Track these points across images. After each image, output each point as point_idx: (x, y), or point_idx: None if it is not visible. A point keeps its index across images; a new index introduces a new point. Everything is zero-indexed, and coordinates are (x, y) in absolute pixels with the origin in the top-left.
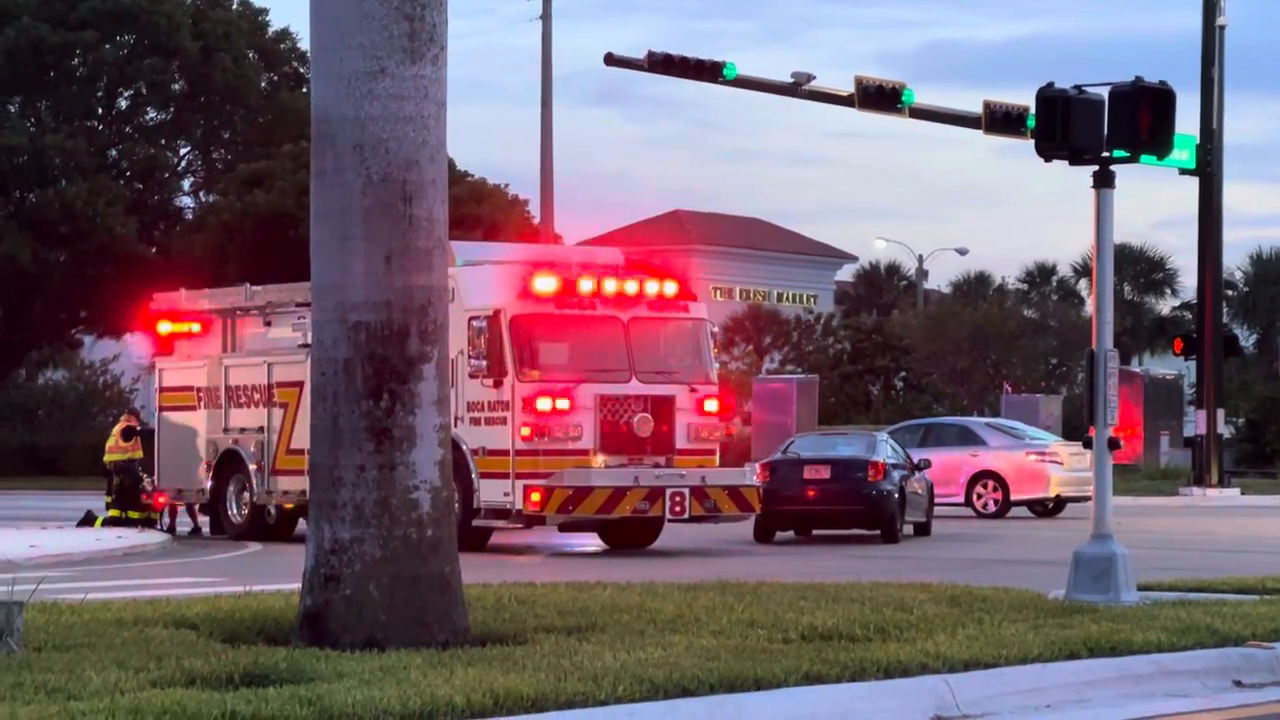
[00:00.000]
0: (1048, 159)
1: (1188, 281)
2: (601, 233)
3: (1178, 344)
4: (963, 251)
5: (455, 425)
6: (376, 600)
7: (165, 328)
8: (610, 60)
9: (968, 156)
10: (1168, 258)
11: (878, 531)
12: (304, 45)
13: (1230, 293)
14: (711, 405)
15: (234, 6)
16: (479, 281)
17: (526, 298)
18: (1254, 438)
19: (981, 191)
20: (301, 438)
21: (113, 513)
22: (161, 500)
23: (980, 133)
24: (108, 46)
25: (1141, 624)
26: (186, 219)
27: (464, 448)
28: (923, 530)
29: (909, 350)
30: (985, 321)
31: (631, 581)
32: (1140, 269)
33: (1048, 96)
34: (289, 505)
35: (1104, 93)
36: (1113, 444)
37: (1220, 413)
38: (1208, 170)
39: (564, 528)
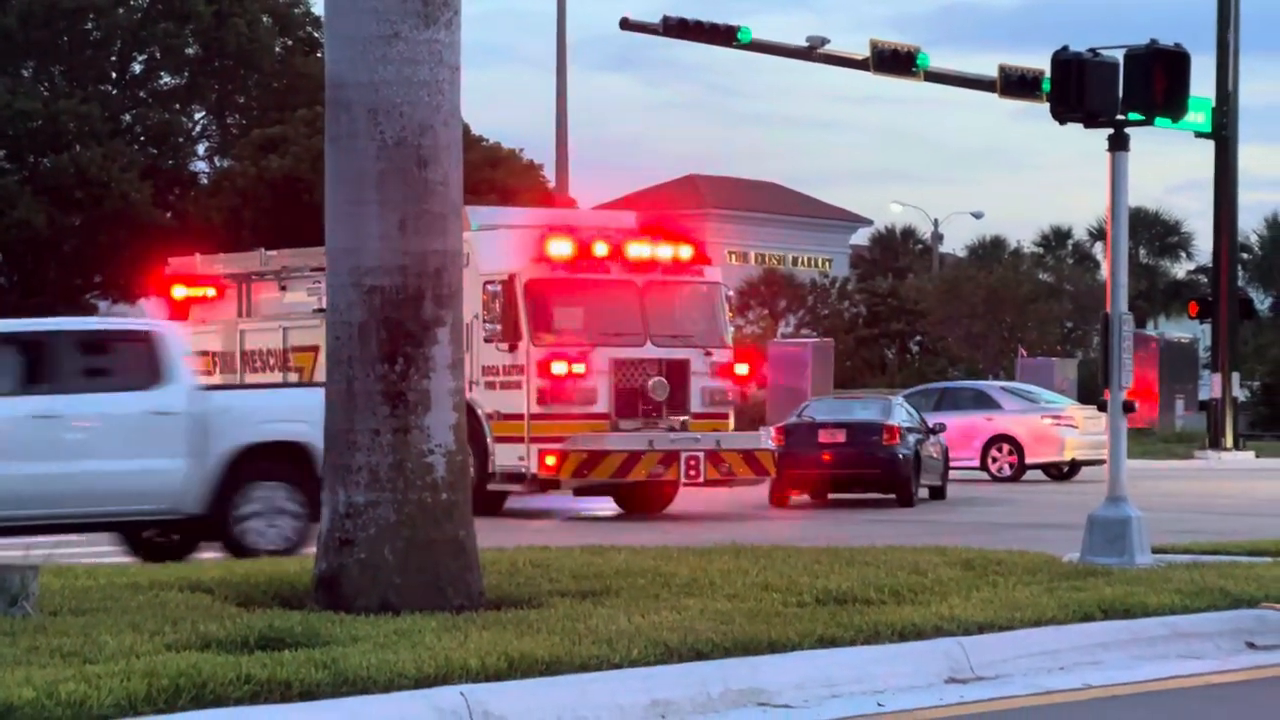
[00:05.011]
0: (1063, 122)
1: (1203, 245)
2: (616, 197)
3: (1193, 307)
4: (978, 215)
5: (470, 390)
6: (391, 564)
7: (180, 292)
8: (626, 25)
9: (983, 120)
10: (1183, 221)
11: (893, 495)
12: (318, 10)
13: (1245, 256)
14: (726, 369)
15: None
16: (494, 246)
17: (541, 262)
18: (1269, 401)
19: (997, 155)
20: None
21: None
22: None
23: (995, 96)
24: (121, 10)
25: (1155, 586)
26: (201, 184)
27: (479, 412)
28: (938, 494)
29: (924, 314)
30: (1000, 285)
31: (646, 545)
32: (1155, 232)
33: (1063, 59)
34: None
35: (1119, 56)
36: (1127, 407)
37: (1235, 376)
38: (1223, 133)
39: (579, 492)
